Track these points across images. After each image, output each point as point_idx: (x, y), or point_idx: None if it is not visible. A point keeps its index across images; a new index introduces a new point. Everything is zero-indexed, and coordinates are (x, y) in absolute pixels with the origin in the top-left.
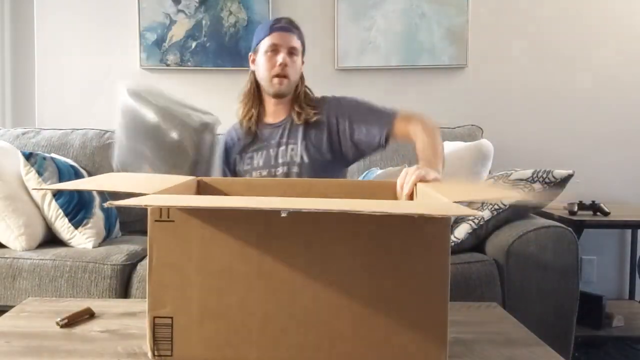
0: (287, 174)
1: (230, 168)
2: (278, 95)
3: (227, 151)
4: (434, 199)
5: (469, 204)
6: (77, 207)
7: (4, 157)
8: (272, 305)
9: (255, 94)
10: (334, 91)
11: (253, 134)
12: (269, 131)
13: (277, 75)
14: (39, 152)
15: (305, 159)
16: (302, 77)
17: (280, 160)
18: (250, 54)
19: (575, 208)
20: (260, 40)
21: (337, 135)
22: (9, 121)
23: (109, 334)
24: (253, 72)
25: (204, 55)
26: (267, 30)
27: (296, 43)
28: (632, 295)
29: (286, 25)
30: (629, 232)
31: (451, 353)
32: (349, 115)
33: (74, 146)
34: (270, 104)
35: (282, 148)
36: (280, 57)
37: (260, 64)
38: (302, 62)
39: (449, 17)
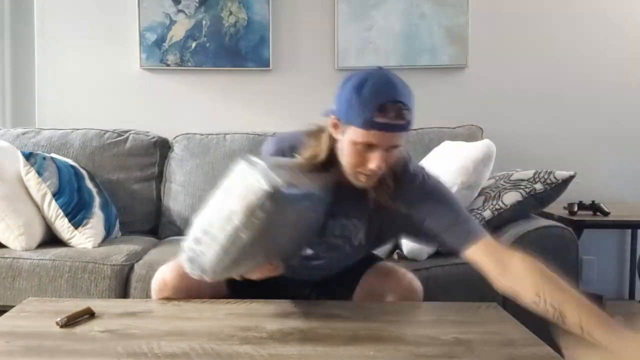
0: (341, 248)
1: None
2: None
3: None
4: None
5: None
6: (77, 207)
7: (4, 157)
8: None
9: (326, 160)
10: (334, 91)
11: None
12: (332, 193)
13: (367, 175)
14: (39, 152)
15: (364, 242)
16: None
17: (337, 232)
18: (332, 116)
19: (575, 208)
20: (352, 123)
21: (405, 227)
22: (9, 121)
23: (109, 334)
24: (331, 138)
25: (204, 55)
26: (365, 119)
27: (401, 140)
28: (632, 295)
29: (394, 123)
30: (629, 232)
31: (451, 353)
32: (428, 215)
33: (74, 146)
34: (341, 173)
35: (344, 221)
36: (375, 159)
37: (345, 151)
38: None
39: (449, 17)
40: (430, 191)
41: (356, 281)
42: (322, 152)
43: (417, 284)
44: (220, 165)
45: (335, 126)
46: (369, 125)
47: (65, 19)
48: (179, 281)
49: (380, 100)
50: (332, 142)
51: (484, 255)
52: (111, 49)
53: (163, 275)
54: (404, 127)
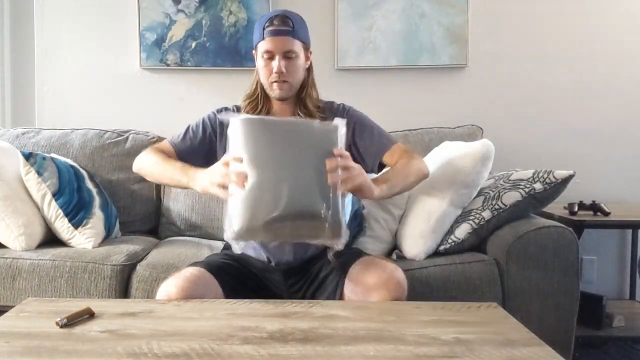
0: None
1: (208, 136)
2: (280, 99)
3: (221, 125)
4: None
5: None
6: (77, 207)
7: (4, 157)
8: None
9: (262, 94)
10: (334, 91)
11: None
12: None
13: (276, 81)
14: (38, 152)
15: None
16: (309, 73)
17: None
18: (253, 50)
19: (576, 208)
20: (257, 43)
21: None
22: (9, 121)
23: (109, 334)
24: (257, 71)
25: (204, 55)
26: (261, 32)
27: (292, 45)
28: (632, 296)
29: (279, 29)
30: (629, 232)
31: (451, 353)
32: (354, 127)
33: (74, 146)
34: (276, 102)
35: None
36: (276, 65)
37: (259, 68)
38: (308, 58)
39: (449, 17)
40: (350, 108)
41: (344, 276)
42: (253, 83)
43: (400, 274)
44: None
45: (255, 57)
46: (263, 35)
47: (65, 19)
48: (183, 296)
49: (269, 16)
50: (259, 76)
51: (396, 154)
52: (111, 49)
53: (167, 291)
54: (290, 32)
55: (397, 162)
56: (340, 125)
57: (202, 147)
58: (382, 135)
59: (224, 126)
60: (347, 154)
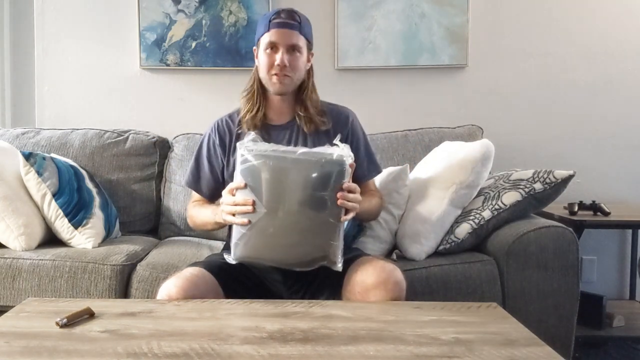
0: None
1: (220, 162)
2: (279, 94)
3: (221, 143)
4: None
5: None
6: (77, 207)
7: (4, 157)
8: None
9: (260, 91)
10: (334, 91)
11: (257, 129)
12: (276, 133)
13: (277, 74)
14: (38, 152)
15: None
16: (309, 74)
17: None
18: (254, 47)
19: (576, 208)
20: (261, 35)
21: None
22: (9, 121)
23: (109, 334)
24: (257, 67)
25: (204, 55)
26: (266, 25)
27: (297, 39)
28: (632, 295)
29: (286, 21)
30: (629, 232)
31: (451, 353)
32: (351, 143)
33: (74, 146)
34: (274, 101)
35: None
36: (279, 57)
37: (261, 61)
38: (310, 56)
39: (449, 17)
40: (354, 121)
41: (343, 276)
42: (251, 81)
43: (398, 274)
44: None
45: (256, 55)
46: (269, 27)
47: (65, 19)
48: (184, 296)
49: (277, 9)
50: (257, 72)
51: (367, 189)
52: (111, 49)
53: (168, 291)
54: (296, 26)
55: (366, 194)
56: (345, 154)
57: (217, 175)
58: (369, 161)
59: (224, 143)
60: (354, 187)
